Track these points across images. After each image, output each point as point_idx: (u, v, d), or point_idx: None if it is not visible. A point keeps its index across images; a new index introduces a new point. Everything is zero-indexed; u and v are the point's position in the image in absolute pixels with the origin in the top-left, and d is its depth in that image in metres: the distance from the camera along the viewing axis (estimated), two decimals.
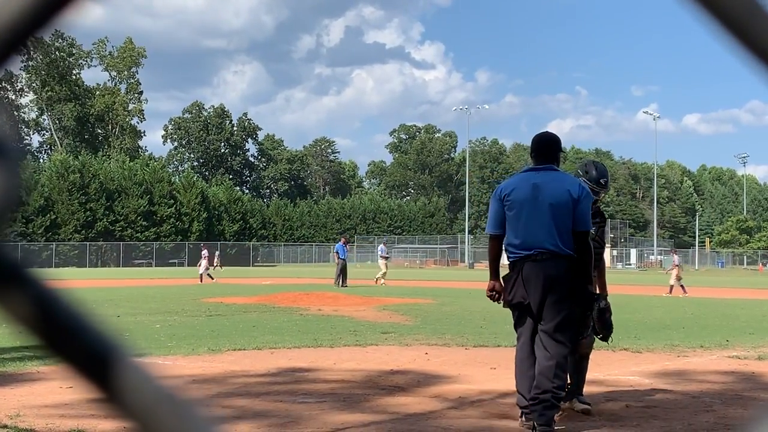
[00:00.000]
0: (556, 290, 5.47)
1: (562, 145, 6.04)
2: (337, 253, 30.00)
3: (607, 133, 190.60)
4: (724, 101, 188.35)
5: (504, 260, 5.63)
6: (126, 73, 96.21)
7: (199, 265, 33.79)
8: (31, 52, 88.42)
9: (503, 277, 5.74)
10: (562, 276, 5.47)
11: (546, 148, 5.83)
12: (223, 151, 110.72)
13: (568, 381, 5.89)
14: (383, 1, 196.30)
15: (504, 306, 5.77)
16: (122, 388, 0.47)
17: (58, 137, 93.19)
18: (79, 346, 0.47)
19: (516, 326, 5.73)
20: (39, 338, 0.47)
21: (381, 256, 32.11)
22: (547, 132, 6.08)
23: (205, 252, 34.06)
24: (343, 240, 30.27)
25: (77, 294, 0.52)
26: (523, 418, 5.64)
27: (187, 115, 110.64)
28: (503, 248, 5.79)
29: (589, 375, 6.58)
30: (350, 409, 6.32)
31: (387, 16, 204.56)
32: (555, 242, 5.49)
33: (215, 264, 56.07)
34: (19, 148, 0.46)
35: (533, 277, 5.49)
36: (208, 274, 32.58)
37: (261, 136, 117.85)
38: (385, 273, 31.13)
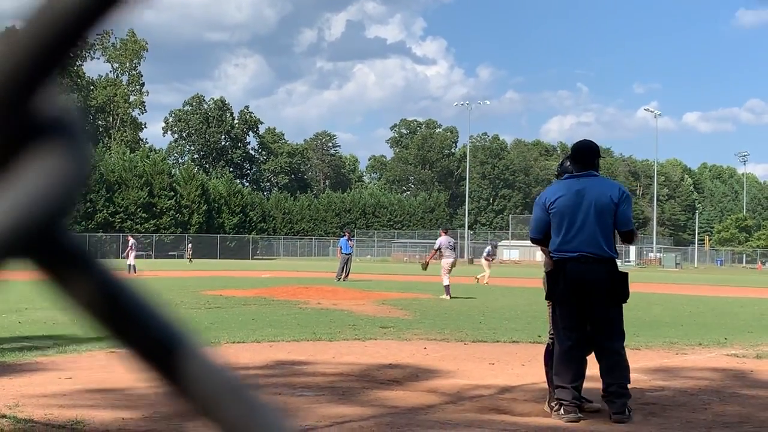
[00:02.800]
0: (599, 291, 5.78)
1: (600, 152, 6.24)
2: (341, 247, 29.79)
3: (608, 131, 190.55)
4: (725, 100, 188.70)
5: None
6: (128, 64, 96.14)
7: (127, 256, 32.68)
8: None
9: (546, 273, 6.02)
10: (603, 278, 5.79)
11: (584, 155, 6.06)
12: (223, 143, 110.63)
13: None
14: None
15: (546, 298, 6.09)
16: (188, 377, 0.46)
17: None
18: (145, 334, 0.46)
19: (557, 322, 5.91)
20: (105, 326, 0.46)
21: (485, 257, 29.95)
22: (584, 140, 6.26)
23: (132, 242, 33.28)
24: (347, 234, 30.03)
25: (146, 284, 0.52)
26: (562, 411, 5.71)
27: (187, 108, 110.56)
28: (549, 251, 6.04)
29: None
30: (348, 402, 6.33)
31: (389, 11, 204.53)
32: (598, 246, 5.79)
33: (187, 255, 55.35)
34: (89, 133, 0.45)
35: (576, 278, 5.76)
36: (133, 266, 31.26)
37: (262, 129, 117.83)
38: (485, 275, 28.72)
